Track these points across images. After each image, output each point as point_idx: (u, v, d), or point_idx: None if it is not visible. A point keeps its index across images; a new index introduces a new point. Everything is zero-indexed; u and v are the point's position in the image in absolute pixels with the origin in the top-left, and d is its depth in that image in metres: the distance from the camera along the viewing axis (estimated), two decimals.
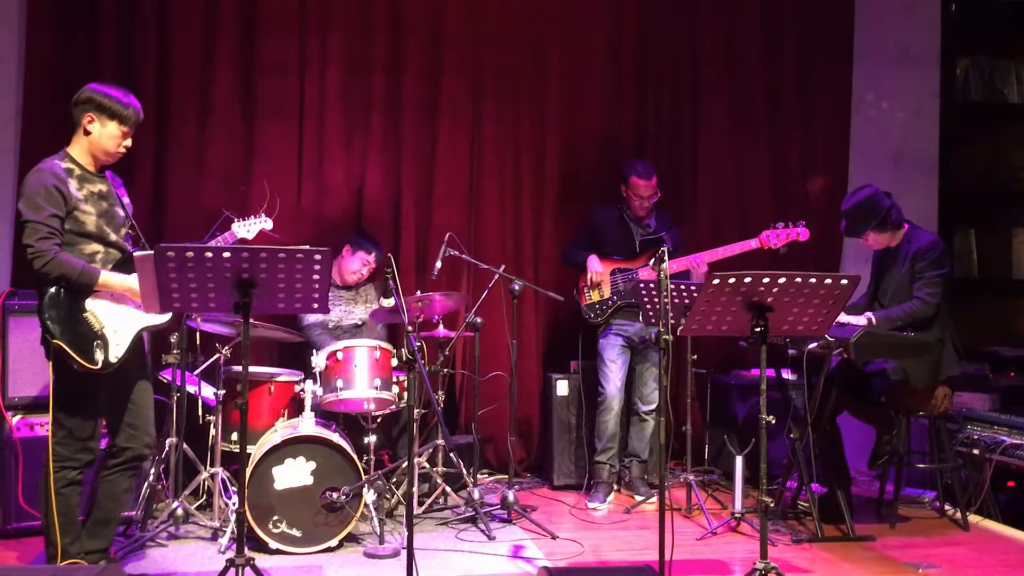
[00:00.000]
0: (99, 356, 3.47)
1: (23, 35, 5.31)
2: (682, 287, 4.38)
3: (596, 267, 5.25)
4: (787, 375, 5.15)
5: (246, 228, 4.37)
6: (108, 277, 3.50)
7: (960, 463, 4.92)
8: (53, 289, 3.43)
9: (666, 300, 3.57)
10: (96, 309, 3.51)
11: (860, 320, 4.54)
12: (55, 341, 3.41)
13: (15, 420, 4.32)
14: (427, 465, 4.88)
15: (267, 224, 4.47)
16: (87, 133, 3.55)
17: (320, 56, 5.65)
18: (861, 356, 4.34)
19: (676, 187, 6.08)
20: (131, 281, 3.51)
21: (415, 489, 4.66)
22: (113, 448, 3.67)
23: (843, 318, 4.48)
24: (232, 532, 4.09)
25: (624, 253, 5.31)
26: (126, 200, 3.72)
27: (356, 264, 5.31)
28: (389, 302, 3.79)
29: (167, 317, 3.71)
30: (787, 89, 6.29)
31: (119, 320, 3.56)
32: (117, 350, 3.53)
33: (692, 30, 6.18)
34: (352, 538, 4.33)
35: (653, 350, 5.25)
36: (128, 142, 3.63)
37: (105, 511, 3.67)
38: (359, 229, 5.61)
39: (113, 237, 3.59)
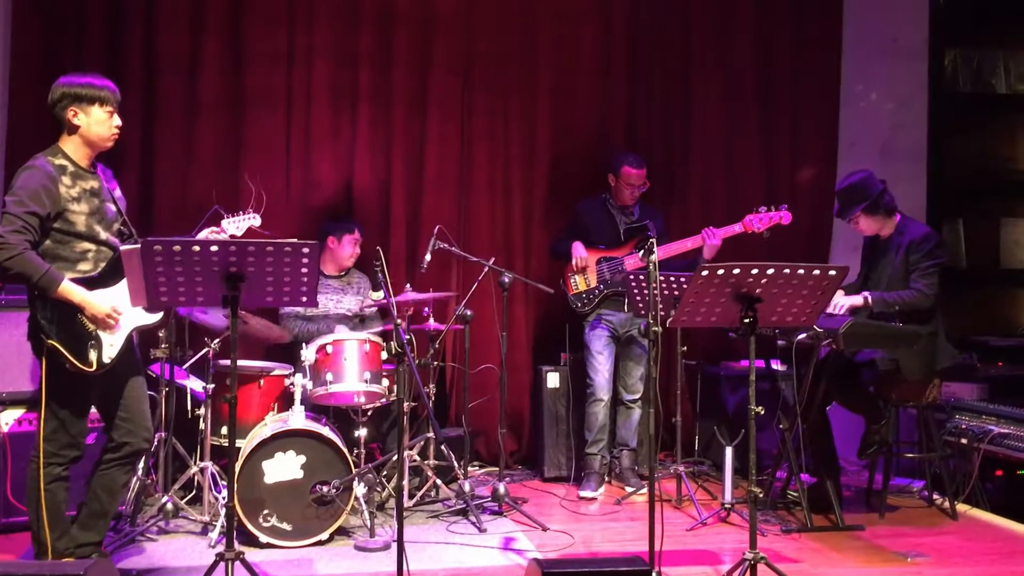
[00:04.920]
0: (92, 357, 3.45)
1: (8, 27, 5.28)
2: (671, 278, 4.39)
3: (580, 252, 5.25)
4: (776, 366, 5.16)
5: (235, 225, 4.35)
6: (68, 288, 3.38)
7: (949, 453, 4.94)
8: None
9: (655, 291, 3.57)
10: None
11: (856, 299, 4.57)
12: (50, 341, 3.38)
13: (3, 416, 4.30)
14: (418, 458, 4.88)
15: (256, 221, 4.45)
16: (75, 128, 3.51)
17: (308, 48, 5.63)
18: (850, 346, 4.36)
19: (667, 178, 6.08)
20: (90, 296, 3.42)
21: (405, 482, 4.66)
22: (111, 443, 3.66)
23: (839, 297, 4.54)
24: (222, 526, 4.09)
25: (609, 241, 5.31)
26: (118, 194, 3.68)
27: (348, 248, 5.27)
28: (378, 295, 3.79)
29: (158, 316, 3.69)
30: (777, 80, 6.28)
31: None
32: (110, 350, 3.51)
33: (683, 22, 6.17)
34: (343, 531, 4.33)
35: (637, 341, 5.27)
36: (118, 121, 3.59)
37: (102, 504, 3.65)
38: (333, 216, 5.55)
39: (104, 235, 3.56)
